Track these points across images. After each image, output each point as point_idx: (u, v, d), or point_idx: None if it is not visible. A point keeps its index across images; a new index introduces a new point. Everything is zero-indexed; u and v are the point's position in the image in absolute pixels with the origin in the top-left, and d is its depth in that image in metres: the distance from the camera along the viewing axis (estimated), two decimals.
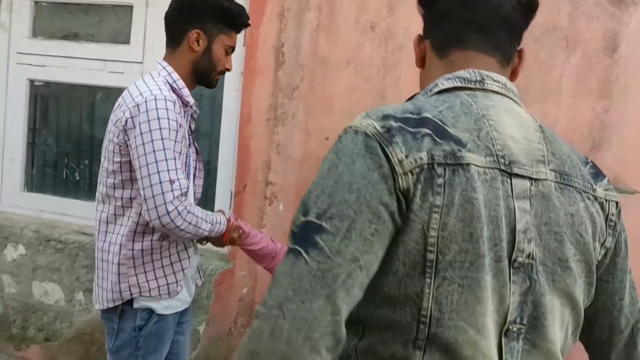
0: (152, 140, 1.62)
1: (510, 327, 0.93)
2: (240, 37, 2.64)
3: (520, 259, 0.92)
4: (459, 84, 1.01)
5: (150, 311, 1.78)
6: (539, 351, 0.96)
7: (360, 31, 2.47)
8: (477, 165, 0.90)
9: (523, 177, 0.94)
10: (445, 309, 0.89)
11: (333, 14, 2.50)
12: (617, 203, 1.04)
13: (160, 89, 1.69)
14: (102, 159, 1.79)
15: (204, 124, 2.86)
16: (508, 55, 1.06)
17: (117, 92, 2.89)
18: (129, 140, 1.66)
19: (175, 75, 1.79)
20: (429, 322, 0.89)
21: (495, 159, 0.92)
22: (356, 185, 0.87)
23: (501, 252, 0.90)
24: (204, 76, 1.85)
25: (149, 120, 1.63)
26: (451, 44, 1.06)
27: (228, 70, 1.90)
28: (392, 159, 0.88)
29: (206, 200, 2.69)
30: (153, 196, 1.61)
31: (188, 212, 1.67)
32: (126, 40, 2.89)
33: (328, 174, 0.90)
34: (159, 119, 1.64)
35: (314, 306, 0.81)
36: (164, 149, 1.63)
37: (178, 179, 1.64)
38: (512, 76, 1.09)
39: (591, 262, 0.99)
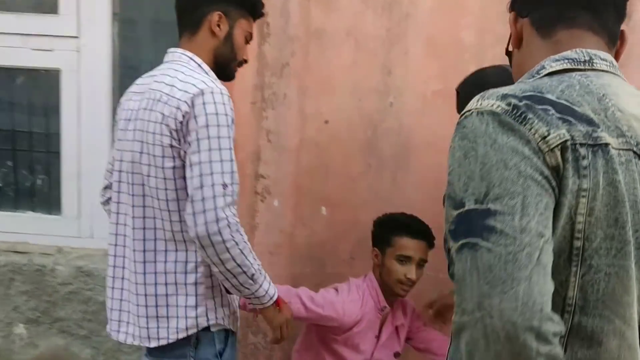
0: (214, 137, 1.43)
1: None
2: None
3: None
4: (568, 66, 0.96)
5: (226, 331, 1.59)
6: None
7: None
8: (615, 147, 0.86)
9: None
10: (591, 297, 0.86)
11: None
12: None
13: (214, 83, 1.49)
14: (142, 177, 1.53)
15: None
16: (614, 36, 1.01)
17: (44, 75, 2.35)
18: (187, 135, 1.45)
19: (206, 67, 1.59)
20: (573, 311, 0.87)
21: (627, 140, 0.88)
22: (511, 161, 0.82)
23: None
24: (223, 66, 1.65)
25: (217, 114, 1.44)
26: (557, 23, 1.00)
27: (246, 61, 1.71)
28: (534, 135, 0.83)
29: None
30: (203, 199, 1.41)
31: (239, 230, 1.45)
32: (53, 10, 2.29)
33: (466, 160, 0.86)
34: (225, 114, 1.45)
35: (519, 292, 0.75)
36: (221, 149, 1.44)
37: (232, 184, 1.45)
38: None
39: None
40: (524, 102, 0.87)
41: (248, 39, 1.68)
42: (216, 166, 1.42)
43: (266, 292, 1.55)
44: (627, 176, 0.86)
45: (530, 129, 0.84)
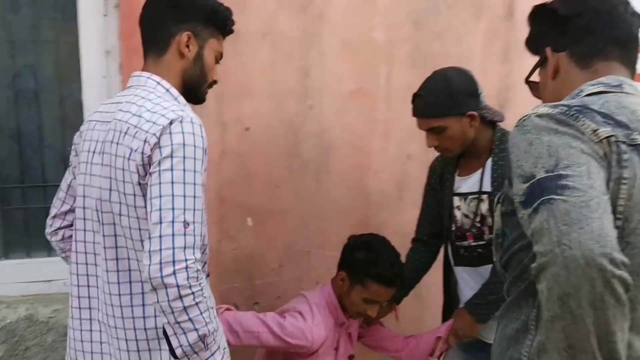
0: (179, 169, 1.29)
1: None
2: (98, 3, 2.00)
3: None
4: (603, 89, 1.13)
5: None
6: None
7: None
8: None
9: None
10: (630, 270, 0.96)
11: None
12: None
13: (184, 111, 1.34)
14: (113, 215, 1.38)
15: (49, 129, 2.07)
16: (635, 69, 1.21)
17: None
18: (151, 166, 1.30)
19: (175, 92, 1.46)
20: None
21: None
22: (573, 143, 0.98)
23: None
24: (193, 89, 1.52)
25: (183, 145, 1.30)
26: (594, 57, 1.18)
27: (215, 82, 1.58)
28: (585, 130, 1.00)
29: None
30: (160, 236, 1.25)
31: (198, 279, 1.27)
32: None
33: (532, 146, 1.01)
34: (193, 146, 1.31)
35: (594, 227, 0.88)
36: (185, 183, 1.29)
37: (194, 223, 1.29)
38: None
39: None
40: (574, 108, 1.04)
41: (218, 59, 1.57)
42: (178, 201, 1.27)
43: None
44: None
45: (583, 125, 1.01)
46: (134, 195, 1.33)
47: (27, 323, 2.03)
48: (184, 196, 1.28)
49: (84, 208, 1.46)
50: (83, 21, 2.00)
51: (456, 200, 1.85)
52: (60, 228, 1.60)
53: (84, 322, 1.49)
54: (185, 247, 1.26)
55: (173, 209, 1.26)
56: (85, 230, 1.46)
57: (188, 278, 1.25)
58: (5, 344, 2.02)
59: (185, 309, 1.26)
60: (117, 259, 1.40)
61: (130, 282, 1.40)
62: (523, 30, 2.24)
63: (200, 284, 1.27)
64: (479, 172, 1.78)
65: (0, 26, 1.99)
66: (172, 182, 1.27)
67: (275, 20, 2.09)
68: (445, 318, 2.05)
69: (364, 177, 2.33)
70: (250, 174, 2.16)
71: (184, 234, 1.26)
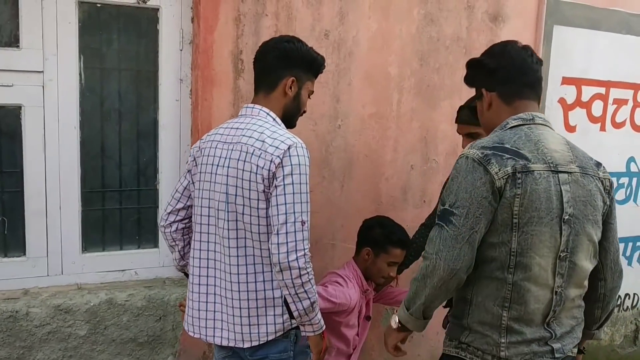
0: (297, 183, 1.75)
1: (561, 254, 1.62)
2: (175, 40, 2.39)
3: (566, 217, 1.60)
4: (520, 122, 1.68)
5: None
6: (577, 267, 1.65)
7: (316, 38, 2.55)
8: (538, 170, 1.58)
9: (563, 172, 1.62)
10: (524, 247, 1.58)
11: (290, 21, 2.50)
12: (609, 179, 1.75)
13: (296, 138, 1.81)
14: (237, 214, 1.80)
15: (128, 143, 2.45)
16: (540, 100, 1.77)
17: (4, 111, 2.21)
18: (274, 180, 1.75)
19: (279, 120, 1.91)
20: (515, 255, 1.58)
21: (548, 165, 1.61)
22: (469, 188, 1.56)
23: (553, 215, 1.59)
24: (290, 118, 1.97)
25: (299, 165, 1.76)
26: (515, 97, 1.71)
27: (305, 112, 2.03)
28: (492, 170, 1.55)
29: None
30: (286, 232, 1.72)
31: (309, 262, 1.77)
32: (13, 42, 2.17)
33: (453, 182, 1.59)
34: (305, 165, 1.78)
35: (454, 254, 1.54)
36: (301, 193, 1.77)
37: (307, 221, 1.78)
38: None
39: (599, 216, 1.69)
40: (492, 151, 1.57)
41: (310, 95, 2.01)
42: (297, 207, 1.74)
43: (319, 322, 1.84)
44: (545, 184, 1.57)
45: (491, 168, 1.55)
46: (258, 200, 1.77)
47: (107, 306, 2.40)
48: (301, 202, 1.75)
49: (208, 207, 1.87)
50: (163, 54, 2.41)
51: None
52: (174, 222, 1.99)
53: (202, 295, 1.91)
54: (303, 240, 1.74)
55: (294, 212, 1.73)
56: (208, 224, 1.88)
57: (305, 262, 1.74)
58: (88, 323, 2.38)
59: (302, 284, 1.74)
60: (237, 246, 1.82)
61: (246, 264, 1.82)
62: None
63: (310, 265, 1.76)
64: None
65: (95, 57, 2.36)
66: (293, 193, 1.74)
67: None
68: None
69: (378, 183, 2.85)
70: None
71: (302, 230, 1.74)
